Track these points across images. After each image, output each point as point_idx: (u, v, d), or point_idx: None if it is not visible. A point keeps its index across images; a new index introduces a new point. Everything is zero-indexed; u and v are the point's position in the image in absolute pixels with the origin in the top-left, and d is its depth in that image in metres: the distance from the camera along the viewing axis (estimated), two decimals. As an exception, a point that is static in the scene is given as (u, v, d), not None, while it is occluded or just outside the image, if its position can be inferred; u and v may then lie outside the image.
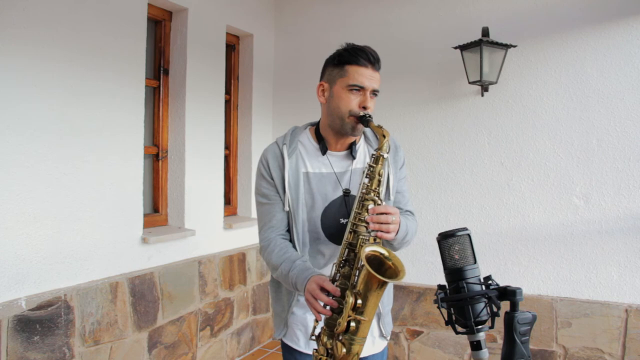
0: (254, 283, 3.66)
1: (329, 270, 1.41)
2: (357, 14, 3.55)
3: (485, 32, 2.93)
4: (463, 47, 2.96)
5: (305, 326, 1.52)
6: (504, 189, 3.07)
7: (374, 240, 1.31)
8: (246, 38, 3.72)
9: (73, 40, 2.37)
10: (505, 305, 1.03)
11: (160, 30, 3.08)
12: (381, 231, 1.30)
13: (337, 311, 1.26)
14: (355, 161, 1.53)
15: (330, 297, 1.27)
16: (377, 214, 1.30)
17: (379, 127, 1.38)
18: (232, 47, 3.70)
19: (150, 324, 2.78)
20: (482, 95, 3.08)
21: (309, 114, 3.71)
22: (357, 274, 1.28)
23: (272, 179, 1.50)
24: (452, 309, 1.09)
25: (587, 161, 2.84)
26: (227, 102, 3.64)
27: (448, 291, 1.11)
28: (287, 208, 1.48)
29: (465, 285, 1.07)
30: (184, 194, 3.05)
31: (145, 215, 2.83)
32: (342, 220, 1.47)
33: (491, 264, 3.06)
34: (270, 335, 3.82)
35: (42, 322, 2.22)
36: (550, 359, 2.90)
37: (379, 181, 1.36)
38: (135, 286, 2.69)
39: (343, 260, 1.33)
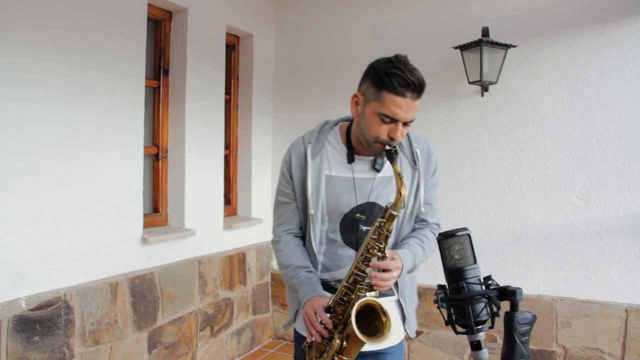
0: (254, 283, 3.66)
1: (343, 273, 1.41)
2: (357, 14, 3.55)
3: (485, 32, 2.93)
4: (463, 47, 2.96)
5: None
6: (504, 189, 3.07)
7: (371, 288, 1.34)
8: (246, 38, 3.72)
9: (73, 40, 2.36)
10: (505, 305, 1.03)
11: (160, 30, 3.08)
12: (378, 285, 1.30)
13: (327, 338, 1.34)
14: (380, 173, 1.49)
15: (323, 327, 1.34)
16: (379, 270, 1.29)
17: (399, 176, 1.28)
18: (232, 47, 3.69)
19: (150, 324, 2.78)
20: (482, 95, 3.08)
21: (308, 113, 3.76)
22: (347, 322, 1.32)
23: (292, 177, 1.51)
24: (452, 309, 1.09)
25: (587, 161, 2.84)
26: (227, 102, 3.64)
27: (448, 291, 1.11)
28: (311, 211, 1.46)
29: (465, 285, 1.08)
30: (184, 194, 3.05)
31: (145, 215, 2.83)
32: (362, 227, 1.47)
33: (491, 264, 3.06)
34: (270, 335, 3.82)
35: (42, 322, 2.22)
36: (550, 359, 2.90)
37: (387, 237, 1.30)
38: (135, 286, 2.69)
39: (340, 297, 1.35)
